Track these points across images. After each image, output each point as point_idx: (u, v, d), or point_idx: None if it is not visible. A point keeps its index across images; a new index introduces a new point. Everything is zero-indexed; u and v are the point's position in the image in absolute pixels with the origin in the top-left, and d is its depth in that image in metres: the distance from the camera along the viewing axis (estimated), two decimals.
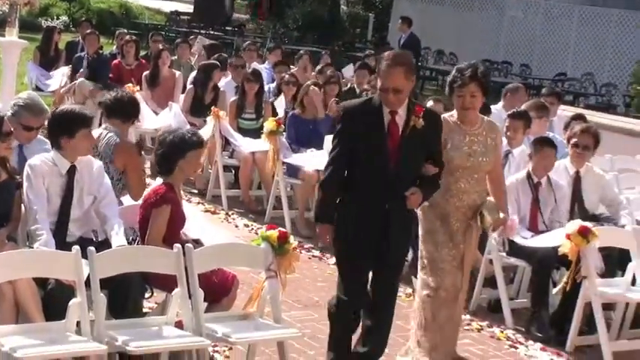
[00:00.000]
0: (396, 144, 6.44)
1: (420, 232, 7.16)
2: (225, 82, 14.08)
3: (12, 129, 6.83)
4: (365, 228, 6.49)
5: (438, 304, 7.05)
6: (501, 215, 7.20)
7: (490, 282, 8.81)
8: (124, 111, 8.07)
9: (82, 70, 15.13)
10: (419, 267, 7.20)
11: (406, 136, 6.44)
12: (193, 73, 14.26)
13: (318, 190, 7.02)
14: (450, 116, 7.10)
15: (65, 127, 6.83)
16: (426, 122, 6.46)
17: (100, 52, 16.15)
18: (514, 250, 8.54)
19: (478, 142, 7.04)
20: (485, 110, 9.61)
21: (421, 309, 7.11)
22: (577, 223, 7.90)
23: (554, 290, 8.17)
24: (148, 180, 8.15)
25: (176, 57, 15.93)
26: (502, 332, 8.37)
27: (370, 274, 6.64)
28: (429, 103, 10.83)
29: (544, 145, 8.88)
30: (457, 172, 6.99)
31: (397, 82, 6.34)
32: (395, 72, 6.34)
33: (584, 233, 7.77)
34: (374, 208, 6.47)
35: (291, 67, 15.57)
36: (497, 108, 11.93)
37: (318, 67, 15.44)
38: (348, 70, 17.86)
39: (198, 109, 13.05)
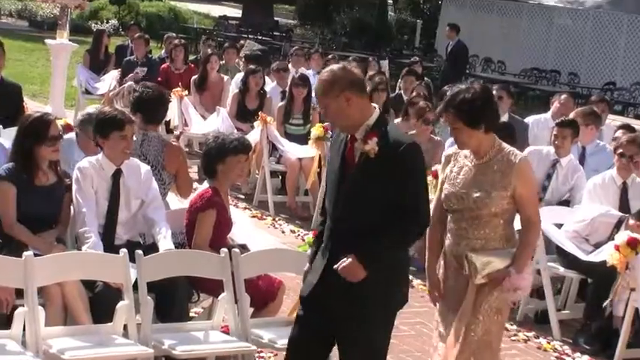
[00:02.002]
0: (348, 177, 5.37)
1: None
2: (271, 87, 14.10)
3: (60, 132, 6.87)
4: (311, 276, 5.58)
5: None
6: (502, 266, 5.65)
7: (537, 292, 8.75)
8: (147, 112, 7.85)
9: (136, 71, 15.16)
10: None
11: (359, 167, 5.32)
12: (236, 78, 14.30)
13: None
14: None
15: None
16: (383, 152, 5.25)
17: (149, 56, 16.24)
18: (570, 262, 8.46)
19: (484, 178, 5.68)
20: (509, 137, 8.99)
21: None
22: (626, 234, 7.81)
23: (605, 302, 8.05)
24: (194, 184, 8.15)
25: (224, 61, 15.97)
26: (549, 343, 8.29)
27: None
28: None
29: None
30: (455, 212, 5.77)
31: (320, 99, 5.47)
32: (317, 89, 5.47)
33: (633, 244, 7.67)
34: (322, 254, 5.51)
35: None
36: (545, 117, 11.87)
37: (370, 74, 15.40)
38: (382, 65, 18.13)
39: (243, 114, 13.09)
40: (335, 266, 5.25)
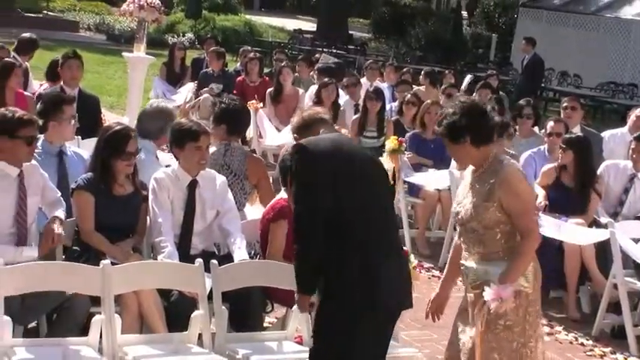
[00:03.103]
0: None
1: None
2: (345, 100, 14.13)
3: (137, 148, 6.93)
4: None
5: None
6: (494, 277, 5.46)
7: (614, 307, 8.64)
8: (232, 122, 7.97)
9: (211, 87, 15.26)
10: None
11: None
12: (310, 90, 14.34)
13: None
14: None
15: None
16: None
17: (225, 68, 16.37)
18: None
19: (474, 190, 5.57)
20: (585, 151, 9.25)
21: None
22: None
23: None
24: None
25: (297, 74, 16.03)
26: (626, 359, 8.19)
27: None
28: (550, 124, 10.45)
29: None
30: (460, 226, 5.72)
31: None
32: None
33: None
34: None
35: (414, 86, 15.53)
36: (622, 131, 11.70)
37: (443, 87, 15.36)
38: (466, 80, 18.06)
39: None
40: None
